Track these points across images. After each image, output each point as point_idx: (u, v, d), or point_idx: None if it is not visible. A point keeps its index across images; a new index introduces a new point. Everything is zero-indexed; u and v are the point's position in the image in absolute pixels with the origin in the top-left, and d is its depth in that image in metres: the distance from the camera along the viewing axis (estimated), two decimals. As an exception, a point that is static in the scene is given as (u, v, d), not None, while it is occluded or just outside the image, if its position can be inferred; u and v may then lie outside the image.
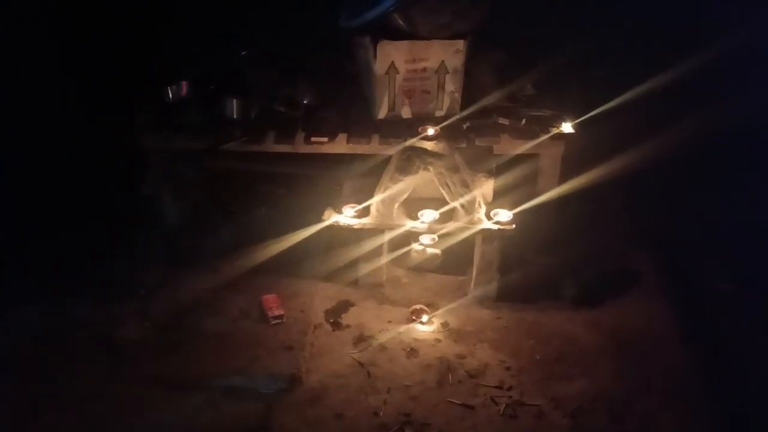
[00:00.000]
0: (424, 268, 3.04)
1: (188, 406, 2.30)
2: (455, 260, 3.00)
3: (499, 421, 2.25)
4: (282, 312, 2.70)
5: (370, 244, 2.80)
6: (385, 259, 2.89)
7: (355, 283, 2.93)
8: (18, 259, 2.99)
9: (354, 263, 2.91)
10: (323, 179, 3.28)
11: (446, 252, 2.99)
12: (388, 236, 2.77)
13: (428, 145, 2.62)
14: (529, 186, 3.04)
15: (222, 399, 2.33)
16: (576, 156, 3.05)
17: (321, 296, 2.87)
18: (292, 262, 3.03)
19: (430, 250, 3.00)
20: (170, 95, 3.00)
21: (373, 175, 2.81)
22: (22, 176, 3.29)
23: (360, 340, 2.63)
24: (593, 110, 2.92)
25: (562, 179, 3.02)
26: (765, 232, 3.03)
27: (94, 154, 3.63)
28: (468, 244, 2.85)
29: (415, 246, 3.00)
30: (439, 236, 2.88)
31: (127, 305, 2.75)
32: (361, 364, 2.50)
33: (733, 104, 2.91)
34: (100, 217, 3.34)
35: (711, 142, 3.11)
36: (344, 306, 2.83)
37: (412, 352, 2.57)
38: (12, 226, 3.14)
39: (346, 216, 2.75)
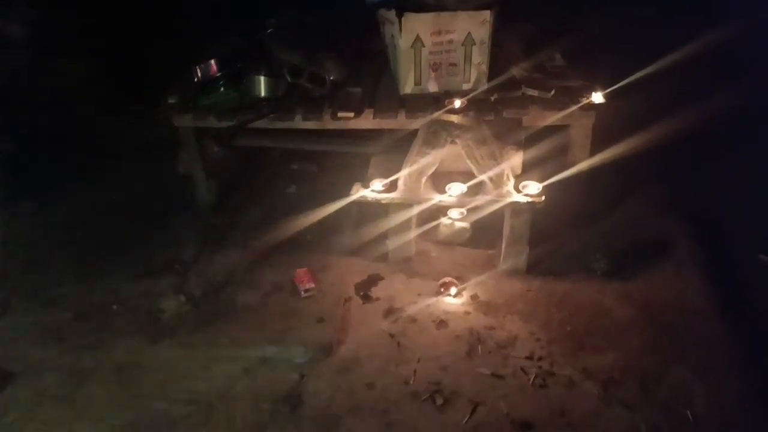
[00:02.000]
0: (453, 241, 3.04)
1: (224, 375, 2.37)
2: (484, 234, 3.00)
3: (529, 390, 2.27)
4: (313, 285, 2.75)
5: (398, 219, 2.82)
6: (413, 233, 2.91)
7: (384, 257, 2.95)
8: (57, 237, 3.11)
9: (383, 237, 2.93)
10: (353, 155, 3.31)
11: (475, 226, 2.99)
12: (416, 210, 2.78)
13: (455, 118, 2.61)
14: (559, 158, 3.01)
15: (257, 368, 2.40)
16: (607, 127, 3.00)
17: (351, 270, 2.90)
18: (322, 238, 3.09)
19: (458, 224, 3.00)
20: (199, 74, 3.05)
21: (401, 150, 2.82)
22: (62, 156, 3.42)
23: (390, 312, 2.66)
24: (624, 80, 2.85)
25: (593, 151, 2.98)
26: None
27: (130, 136, 3.75)
28: (497, 217, 2.84)
29: (444, 220, 3.00)
30: (467, 210, 2.88)
31: (163, 281, 2.84)
32: (391, 336, 2.53)
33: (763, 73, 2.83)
34: (136, 195, 3.45)
35: (747, 111, 3.03)
36: (374, 279, 2.86)
37: (441, 323, 2.59)
38: (49, 202, 3.28)
39: (374, 190, 2.76)
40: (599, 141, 3.01)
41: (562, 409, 2.19)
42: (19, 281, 2.84)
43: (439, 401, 2.23)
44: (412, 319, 2.62)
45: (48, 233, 3.15)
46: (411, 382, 2.32)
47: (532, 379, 2.30)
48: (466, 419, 2.16)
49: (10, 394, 2.32)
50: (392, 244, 2.91)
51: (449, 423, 2.15)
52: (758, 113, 3.06)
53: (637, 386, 2.26)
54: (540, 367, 2.36)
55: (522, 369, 2.35)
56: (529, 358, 2.40)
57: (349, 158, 3.39)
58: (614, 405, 2.20)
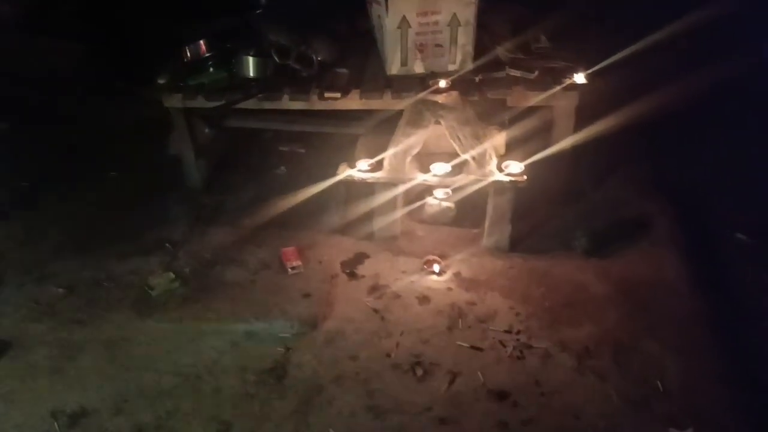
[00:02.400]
0: (438, 221, 3.10)
1: (212, 348, 2.44)
2: (469, 214, 3.06)
3: (506, 361, 2.34)
4: (300, 263, 2.81)
5: (384, 198, 2.87)
6: (399, 212, 2.97)
7: (370, 236, 3.01)
8: (50, 215, 3.17)
9: (369, 217, 2.99)
10: (341, 137, 3.36)
11: (460, 206, 3.06)
12: (401, 189, 2.83)
13: (439, 98, 2.65)
14: (543, 138, 3.06)
15: (243, 341, 2.47)
16: (590, 107, 3.05)
17: (338, 249, 2.96)
18: (310, 217, 3.14)
19: (443, 204, 3.06)
20: (188, 55, 3.08)
21: (387, 131, 2.86)
22: (54, 136, 3.46)
23: (375, 288, 2.73)
24: (607, 60, 2.89)
25: (577, 131, 3.03)
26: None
27: (121, 117, 3.79)
28: (482, 197, 2.90)
29: (429, 200, 3.06)
30: (452, 190, 2.93)
31: (153, 259, 2.90)
32: (375, 311, 2.60)
33: (747, 53, 2.87)
34: (128, 176, 3.50)
35: (725, 91, 3.08)
36: (360, 258, 2.92)
37: (424, 299, 2.66)
38: (42, 182, 3.33)
39: (360, 170, 2.82)
40: (583, 121, 3.06)
41: (537, 379, 2.27)
42: (14, 257, 2.90)
43: (420, 372, 2.31)
44: (396, 295, 2.69)
45: (41, 211, 3.21)
46: (393, 354, 2.39)
47: (509, 351, 2.38)
48: (444, 388, 2.24)
49: (3, 366, 2.39)
50: (378, 223, 2.97)
51: (428, 392, 2.23)
52: (739, 93, 3.11)
53: (610, 358, 2.34)
54: (518, 340, 2.43)
55: (500, 342, 2.42)
56: (508, 331, 2.47)
57: (337, 139, 3.44)
58: (588, 375, 2.28)
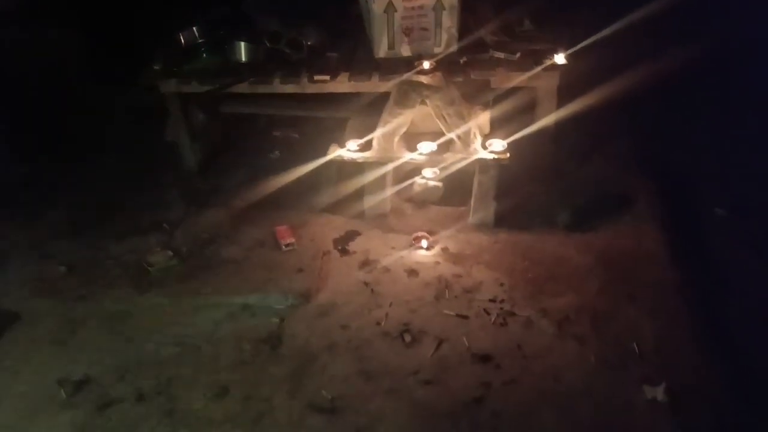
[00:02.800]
0: (426, 200, 3.21)
1: (209, 320, 2.55)
2: (456, 192, 3.16)
3: (490, 328, 2.46)
4: (293, 240, 2.92)
5: (373, 177, 2.97)
6: (389, 191, 3.07)
7: (361, 214, 3.11)
8: (50, 198, 3.26)
9: (360, 197, 3.09)
10: (333, 122, 3.46)
11: (448, 185, 3.16)
12: (390, 167, 2.93)
13: (424, 79, 2.75)
14: (527, 118, 3.17)
15: (239, 314, 2.58)
16: (572, 87, 3.15)
17: (330, 227, 3.07)
18: (302, 198, 3.24)
19: (431, 183, 3.16)
20: (182, 41, 3.17)
21: (375, 114, 2.96)
22: (52, 122, 3.54)
23: (365, 264, 2.84)
24: (588, 39, 2.99)
25: (559, 110, 3.13)
26: (759, 159, 3.12)
27: (118, 104, 3.87)
28: (469, 177, 3.00)
29: (418, 179, 3.16)
30: (438, 168, 3.04)
31: (152, 238, 3.00)
32: (366, 284, 2.71)
33: (727, 32, 2.96)
34: (125, 161, 3.60)
35: (706, 69, 3.18)
36: (351, 235, 3.03)
37: (412, 273, 2.77)
38: (42, 167, 3.42)
39: (349, 150, 2.92)
40: (565, 100, 3.16)
41: (520, 344, 2.38)
42: (16, 238, 3.00)
43: (408, 339, 2.42)
44: (386, 270, 2.79)
45: (42, 194, 3.30)
46: (383, 323, 2.50)
47: (493, 319, 2.49)
48: (431, 353, 2.35)
49: (8, 340, 2.49)
50: (368, 201, 3.08)
51: (416, 357, 2.34)
52: (720, 70, 3.21)
53: (589, 324, 2.45)
54: (501, 308, 2.55)
55: (485, 310, 2.54)
56: (492, 301, 2.59)
57: (329, 124, 3.53)
58: (568, 340, 2.39)
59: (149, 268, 2.79)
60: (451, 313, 2.53)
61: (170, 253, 2.88)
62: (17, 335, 2.51)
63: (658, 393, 2.15)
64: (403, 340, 2.42)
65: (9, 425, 2.16)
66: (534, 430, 2.08)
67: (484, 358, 2.32)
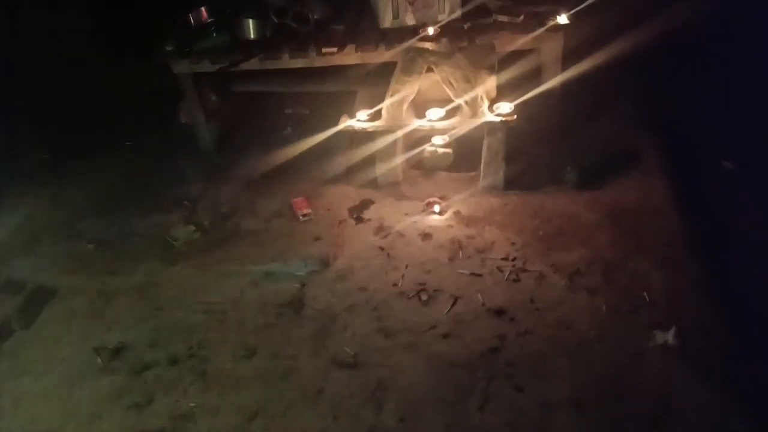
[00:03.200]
0: (437, 167, 3.28)
1: (234, 287, 2.67)
2: (467, 158, 3.23)
3: (504, 284, 2.55)
4: (310, 210, 3.02)
5: (384, 145, 3.05)
6: (400, 158, 3.15)
7: (374, 183, 3.20)
8: (74, 181, 3.39)
9: (372, 167, 3.17)
10: (343, 97, 3.52)
11: (458, 151, 3.23)
12: (399, 134, 3.00)
13: (430, 45, 2.80)
14: (534, 81, 3.21)
15: (262, 281, 2.70)
16: (576, 49, 3.19)
17: (344, 196, 3.16)
18: (317, 170, 3.33)
19: (441, 150, 3.23)
20: (192, 22, 3.25)
21: (383, 85, 3.02)
22: (71, 109, 3.66)
23: (380, 230, 2.93)
24: (588, 1, 3.01)
25: (564, 72, 3.17)
26: (765, 113, 3.14)
27: (133, 89, 3.98)
28: (478, 142, 3.06)
29: (428, 147, 3.23)
30: (449, 134, 3.10)
31: (174, 214, 3.12)
32: (381, 249, 2.81)
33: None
34: (143, 143, 3.71)
35: (709, 26, 3.19)
36: (366, 204, 3.12)
37: (426, 236, 2.86)
38: (64, 151, 3.55)
39: (359, 120, 2.99)
40: (570, 62, 3.20)
41: (532, 297, 2.47)
42: (45, 220, 3.13)
43: (424, 297, 2.52)
44: (401, 234, 2.89)
45: (65, 179, 3.43)
46: (399, 284, 2.60)
47: (506, 275, 2.58)
48: (447, 310, 2.45)
49: (47, 314, 2.64)
50: (380, 169, 3.16)
51: (432, 314, 2.45)
52: (722, 28, 3.22)
53: (600, 276, 2.54)
54: (514, 265, 2.63)
55: (498, 268, 2.62)
56: (505, 259, 2.67)
57: (338, 99, 3.59)
58: (579, 292, 2.48)
59: (174, 242, 2.91)
60: (465, 272, 2.62)
61: (192, 227, 2.99)
62: (55, 309, 2.65)
63: (669, 337, 2.23)
64: (420, 299, 2.52)
65: (53, 390, 2.31)
66: (548, 376, 2.18)
67: (499, 313, 2.42)
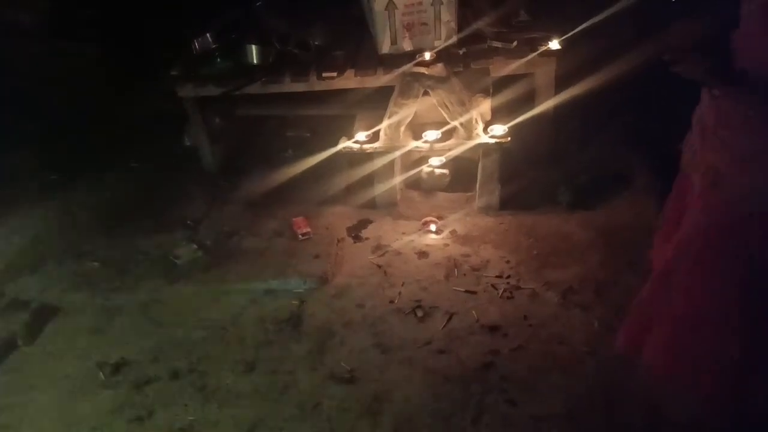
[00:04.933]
0: (434, 187, 3.36)
1: (234, 304, 2.73)
2: (463, 179, 3.32)
3: (498, 301, 2.60)
4: (309, 230, 3.09)
5: (383, 166, 3.13)
6: (398, 179, 3.23)
7: (372, 204, 3.27)
8: (80, 201, 3.47)
9: (371, 188, 3.25)
10: (343, 121, 3.62)
11: (454, 172, 3.32)
12: (397, 154, 3.08)
13: (426, 70, 2.90)
14: (528, 105, 3.31)
15: (262, 298, 2.76)
16: (569, 76, 3.29)
17: (343, 217, 3.24)
18: (316, 191, 3.41)
19: (438, 171, 3.32)
20: (197, 47, 3.37)
21: (381, 109, 3.11)
22: (77, 132, 3.77)
23: (378, 248, 3.00)
24: (582, 25, 3.11)
25: (557, 96, 3.27)
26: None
27: (138, 113, 4.09)
28: (474, 164, 3.14)
29: (425, 168, 3.32)
30: (445, 157, 3.19)
31: (177, 234, 3.20)
32: (378, 266, 2.87)
33: (717, 13, 3.05)
34: (148, 165, 3.80)
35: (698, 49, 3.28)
36: (364, 223, 3.19)
37: (423, 254, 2.93)
38: (71, 173, 3.64)
39: (357, 141, 3.08)
40: (563, 86, 3.29)
41: (526, 314, 2.52)
42: (51, 239, 3.21)
43: (420, 314, 2.58)
44: (398, 253, 2.96)
45: (71, 200, 3.51)
46: (396, 301, 2.66)
47: (500, 293, 2.64)
48: (442, 326, 2.51)
49: (51, 330, 2.70)
50: (378, 190, 3.24)
51: (428, 330, 2.50)
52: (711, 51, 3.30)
53: (592, 292, 2.59)
54: (508, 283, 2.69)
55: (492, 285, 2.68)
56: (499, 276, 2.73)
57: (338, 123, 3.69)
58: (572, 308, 2.53)
59: (176, 260, 2.98)
60: (461, 289, 2.68)
61: (195, 246, 3.06)
62: (60, 325, 2.71)
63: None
64: (416, 315, 2.58)
65: (56, 404, 2.36)
66: (541, 390, 2.22)
67: (493, 329, 2.47)
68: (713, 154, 1.70)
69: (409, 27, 3.17)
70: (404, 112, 3.01)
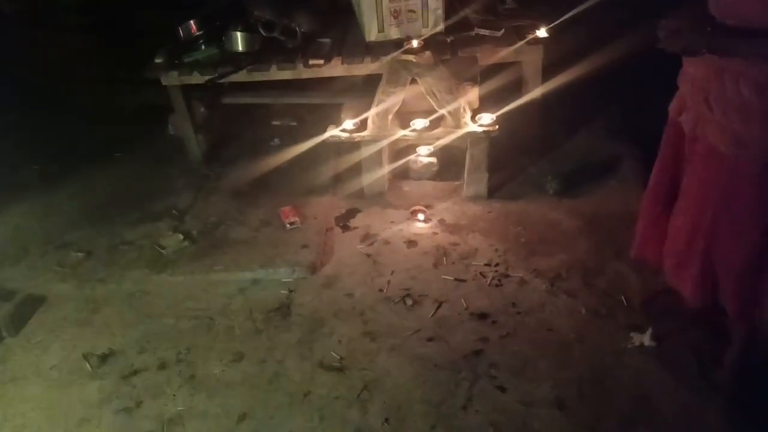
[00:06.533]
0: (422, 176, 3.36)
1: (222, 294, 2.71)
2: (451, 168, 3.32)
3: (486, 289, 2.61)
4: (297, 219, 3.07)
5: (370, 155, 3.12)
6: (386, 168, 3.21)
7: (361, 193, 3.26)
8: (64, 192, 3.42)
9: (359, 178, 3.24)
10: (330, 110, 3.60)
11: (443, 161, 3.32)
12: (385, 143, 3.07)
13: (413, 57, 2.89)
14: (515, 93, 3.31)
15: (250, 287, 2.74)
16: (557, 65, 3.29)
17: (331, 206, 3.22)
18: (304, 180, 3.39)
19: (427, 160, 3.31)
20: (181, 35, 3.31)
21: (369, 97, 3.09)
22: (60, 123, 3.71)
23: (367, 237, 2.99)
24: (569, 13, 3.11)
25: (545, 84, 3.27)
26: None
27: (122, 103, 4.03)
28: (462, 152, 3.14)
29: (413, 157, 3.31)
30: (433, 144, 3.18)
31: (163, 224, 3.17)
32: (367, 255, 2.87)
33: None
34: (133, 156, 3.76)
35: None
36: (352, 212, 3.18)
37: (411, 243, 2.92)
38: (55, 164, 3.59)
39: (345, 130, 3.06)
40: (551, 75, 3.30)
41: (514, 301, 2.53)
42: (35, 230, 3.16)
43: (409, 302, 2.58)
44: (386, 242, 2.95)
45: (55, 190, 3.46)
46: (385, 290, 2.66)
47: (489, 281, 2.64)
48: (431, 314, 2.51)
49: (36, 321, 2.66)
50: (366, 180, 3.22)
51: (417, 318, 2.50)
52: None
53: (580, 280, 2.61)
54: (497, 271, 2.70)
55: (481, 273, 2.69)
56: (488, 264, 2.74)
57: (325, 112, 3.67)
58: (559, 295, 2.54)
59: (162, 250, 2.95)
60: (450, 277, 2.68)
61: (181, 236, 3.03)
62: (45, 316, 2.67)
63: (645, 338, 2.31)
64: (405, 303, 2.58)
65: (42, 395, 2.33)
66: (530, 376, 2.23)
67: (482, 316, 2.48)
68: (725, 117, 1.70)
69: (396, 14, 3.15)
70: (392, 100, 2.99)
